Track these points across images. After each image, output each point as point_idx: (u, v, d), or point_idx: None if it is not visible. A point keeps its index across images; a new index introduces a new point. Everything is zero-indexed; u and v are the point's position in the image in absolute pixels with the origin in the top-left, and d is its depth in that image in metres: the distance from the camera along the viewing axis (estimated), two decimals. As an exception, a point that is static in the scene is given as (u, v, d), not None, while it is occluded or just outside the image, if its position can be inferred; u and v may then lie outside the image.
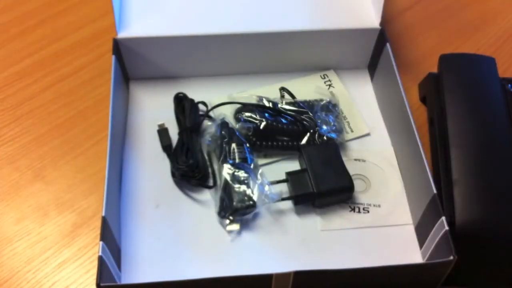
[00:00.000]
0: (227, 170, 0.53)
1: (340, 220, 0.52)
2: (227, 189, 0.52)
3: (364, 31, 0.61)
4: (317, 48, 0.62)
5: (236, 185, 0.52)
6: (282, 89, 0.60)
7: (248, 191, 0.51)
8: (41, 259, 0.50)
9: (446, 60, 0.58)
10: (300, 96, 0.60)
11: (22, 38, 0.68)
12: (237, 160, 0.53)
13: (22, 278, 0.48)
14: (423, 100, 0.63)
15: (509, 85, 0.57)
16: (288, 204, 0.53)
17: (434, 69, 0.60)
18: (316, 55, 0.63)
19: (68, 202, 0.53)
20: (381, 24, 0.60)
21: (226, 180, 0.52)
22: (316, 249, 0.51)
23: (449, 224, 0.45)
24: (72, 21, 0.70)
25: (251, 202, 0.51)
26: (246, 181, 0.52)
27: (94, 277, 0.42)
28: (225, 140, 0.54)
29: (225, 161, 0.53)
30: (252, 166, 0.53)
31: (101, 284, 0.41)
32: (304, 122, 0.57)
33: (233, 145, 0.54)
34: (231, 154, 0.54)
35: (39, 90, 0.63)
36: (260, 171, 0.53)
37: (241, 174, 0.52)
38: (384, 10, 0.59)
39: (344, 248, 0.51)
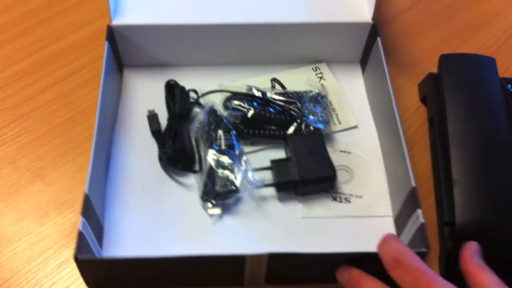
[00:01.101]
0: (211, 156, 0.54)
1: (322, 209, 0.53)
2: (211, 174, 0.53)
3: (356, 25, 0.61)
4: (310, 41, 0.63)
5: (220, 171, 0.53)
6: (274, 80, 0.61)
7: (231, 177, 0.53)
8: (41, 259, 0.50)
9: (446, 60, 0.58)
10: (291, 88, 0.60)
11: (22, 38, 0.68)
12: (223, 147, 0.54)
13: (22, 278, 0.48)
14: (423, 100, 0.63)
15: (509, 85, 0.57)
16: (271, 191, 0.54)
17: (434, 69, 0.60)
18: (309, 47, 0.64)
19: (68, 202, 0.53)
20: (374, 18, 0.60)
21: (210, 165, 0.53)
22: (297, 235, 0.51)
23: (449, 224, 0.45)
24: (72, 21, 0.70)
25: (233, 187, 0.52)
26: (230, 167, 0.53)
27: (94, 277, 0.42)
28: (212, 126, 0.55)
29: (211, 147, 0.54)
30: (237, 152, 0.54)
31: (79, 257, 0.42)
32: (292, 112, 0.57)
33: (220, 132, 0.55)
34: (217, 140, 0.55)
35: (39, 90, 0.62)
36: (244, 158, 0.54)
37: (226, 160, 0.53)
38: (378, 6, 0.59)
39: (323, 236, 0.51)
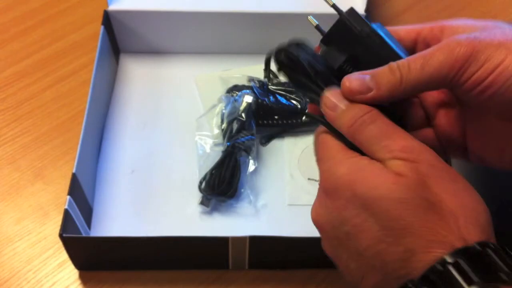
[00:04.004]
0: (228, 149, 0.54)
1: (308, 196, 0.53)
2: (222, 168, 0.53)
3: None
4: (303, 31, 0.63)
5: (226, 171, 0.53)
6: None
7: (234, 182, 0.53)
8: (41, 259, 0.50)
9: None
10: (283, 78, 0.61)
11: (22, 38, 0.68)
12: (240, 147, 0.54)
13: (23, 278, 0.48)
14: (423, 100, 0.63)
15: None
16: (259, 179, 0.55)
17: (434, 69, 0.60)
18: (302, 37, 0.64)
19: (68, 202, 0.54)
20: (366, 10, 0.60)
21: (222, 160, 0.53)
22: (283, 222, 0.52)
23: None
24: (72, 21, 0.70)
25: (229, 193, 0.53)
26: (237, 170, 0.53)
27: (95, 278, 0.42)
28: (238, 121, 0.55)
29: (230, 140, 0.54)
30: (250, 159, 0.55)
31: (64, 235, 0.43)
32: (294, 102, 0.58)
33: (244, 132, 0.55)
34: (237, 135, 0.55)
35: (39, 90, 0.62)
36: (252, 167, 0.55)
37: (236, 163, 0.54)
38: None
39: (309, 223, 0.52)
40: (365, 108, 0.31)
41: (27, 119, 0.60)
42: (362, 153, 0.31)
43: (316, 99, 0.33)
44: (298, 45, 0.34)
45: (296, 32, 0.62)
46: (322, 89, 0.33)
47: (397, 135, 0.30)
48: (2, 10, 0.71)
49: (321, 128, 0.33)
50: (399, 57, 0.33)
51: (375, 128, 0.30)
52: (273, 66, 0.62)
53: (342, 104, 0.32)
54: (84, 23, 0.69)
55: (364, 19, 0.35)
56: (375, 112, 0.31)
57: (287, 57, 0.33)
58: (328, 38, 0.36)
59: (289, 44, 0.34)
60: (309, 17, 0.38)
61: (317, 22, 0.39)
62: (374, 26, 0.35)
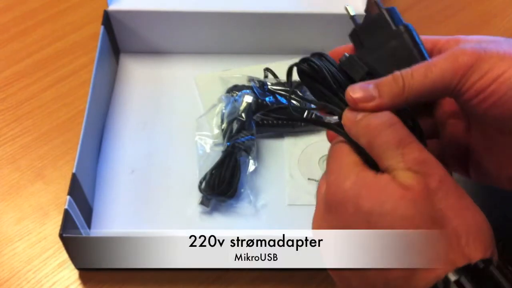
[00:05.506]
0: (228, 149, 0.54)
1: (308, 196, 0.53)
2: (222, 168, 0.53)
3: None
4: (303, 31, 0.64)
5: (227, 171, 0.53)
6: (267, 69, 0.62)
7: (234, 182, 0.53)
8: (41, 259, 0.50)
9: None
10: (283, 78, 0.60)
11: (22, 38, 0.68)
12: (240, 147, 0.54)
13: (23, 278, 0.48)
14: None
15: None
16: (259, 179, 0.55)
17: (434, 69, 0.60)
18: (302, 38, 0.64)
19: (68, 202, 0.54)
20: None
21: (222, 159, 0.53)
22: (283, 222, 0.52)
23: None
24: (72, 21, 0.70)
25: (229, 193, 0.53)
26: (237, 170, 0.53)
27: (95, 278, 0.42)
28: (238, 121, 0.55)
29: (230, 140, 0.54)
30: (250, 159, 0.55)
31: (64, 235, 0.43)
32: (293, 102, 0.58)
33: (244, 133, 0.55)
34: (238, 135, 0.55)
35: (39, 90, 0.63)
36: (252, 167, 0.54)
37: (236, 163, 0.54)
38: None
39: (309, 223, 0.52)
40: (385, 113, 0.31)
41: (27, 119, 0.60)
42: (375, 167, 0.31)
43: (335, 110, 0.33)
44: (321, 56, 0.35)
45: (296, 32, 0.63)
46: (342, 100, 0.33)
47: (414, 145, 0.30)
48: (2, 10, 0.71)
49: (338, 138, 0.33)
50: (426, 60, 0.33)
51: (393, 133, 0.30)
52: (276, 70, 0.62)
53: (361, 113, 0.32)
54: (84, 23, 0.69)
55: (400, 18, 0.35)
56: (395, 118, 0.31)
57: (310, 66, 0.34)
58: (361, 31, 0.38)
59: (312, 55, 0.35)
60: (347, 6, 0.39)
61: (354, 13, 0.39)
62: (410, 26, 0.36)
